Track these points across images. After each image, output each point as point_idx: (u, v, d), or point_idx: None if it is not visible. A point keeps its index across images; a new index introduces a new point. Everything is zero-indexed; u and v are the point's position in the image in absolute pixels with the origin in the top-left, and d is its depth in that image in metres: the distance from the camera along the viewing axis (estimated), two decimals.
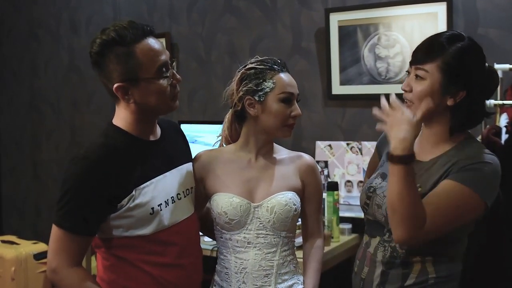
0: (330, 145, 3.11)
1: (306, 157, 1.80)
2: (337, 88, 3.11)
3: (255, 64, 1.72)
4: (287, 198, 1.68)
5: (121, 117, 1.61)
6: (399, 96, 1.60)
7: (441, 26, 2.77)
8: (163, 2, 3.73)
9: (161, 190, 1.60)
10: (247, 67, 1.73)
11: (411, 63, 1.60)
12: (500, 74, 2.41)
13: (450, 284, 1.61)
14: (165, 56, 1.56)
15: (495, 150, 2.10)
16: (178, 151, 1.74)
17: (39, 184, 4.39)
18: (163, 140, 1.68)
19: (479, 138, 2.24)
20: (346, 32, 3.05)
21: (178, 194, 1.65)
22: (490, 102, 2.32)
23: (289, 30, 3.28)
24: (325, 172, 3.07)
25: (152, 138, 1.65)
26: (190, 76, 3.62)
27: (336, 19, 3.07)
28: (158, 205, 1.58)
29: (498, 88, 2.40)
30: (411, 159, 1.45)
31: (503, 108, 2.36)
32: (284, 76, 1.71)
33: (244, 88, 1.70)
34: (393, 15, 2.91)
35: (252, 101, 1.69)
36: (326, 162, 3.09)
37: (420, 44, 1.61)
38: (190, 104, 3.64)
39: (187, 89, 3.63)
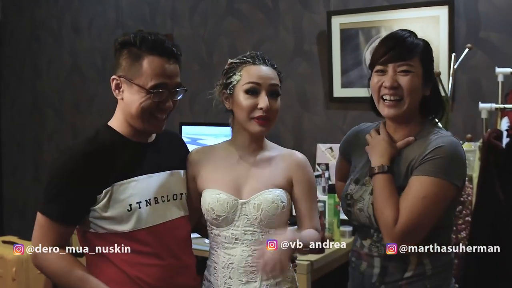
0: (331, 148, 3.12)
1: (297, 154, 1.77)
2: (339, 91, 3.12)
3: (235, 59, 1.73)
4: (275, 195, 1.67)
5: (116, 116, 1.68)
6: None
7: (443, 29, 2.78)
8: (166, 5, 3.74)
9: (143, 189, 1.63)
10: (228, 62, 1.75)
11: (387, 62, 1.62)
12: (501, 78, 2.42)
13: (446, 273, 1.67)
14: (168, 80, 1.61)
15: (496, 154, 2.11)
16: (171, 157, 1.76)
17: (40, 185, 4.39)
18: (155, 144, 1.72)
19: (480, 142, 2.25)
20: (348, 35, 3.06)
21: (162, 196, 1.67)
22: (492, 105, 2.32)
23: (291, 33, 3.29)
24: (326, 175, 3.08)
25: (142, 141, 1.69)
26: (192, 78, 3.63)
27: (338, 22, 3.08)
28: (137, 203, 1.61)
29: (499, 92, 2.41)
30: (388, 169, 1.60)
31: (504, 112, 2.37)
32: (253, 67, 1.68)
33: (220, 83, 1.74)
34: (395, 19, 2.92)
35: (226, 95, 1.71)
36: (327, 165, 3.10)
37: (390, 44, 1.63)
38: (192, 106, 3.65)
39: (189, 91, 3.62)
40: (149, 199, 1.63)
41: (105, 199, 1.58)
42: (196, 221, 1.82)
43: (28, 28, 4.44)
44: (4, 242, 3.76)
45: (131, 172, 1.62)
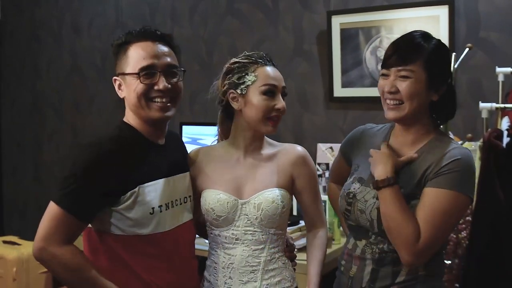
0: (331, 148, 3.11)
1: (297, 148, 1.78)
2: (339, 91, 3.12)
3: (240, 58, 1.73)
4: (275, 195, 1.68)
5: (128, 114, 1.68)
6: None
7: (443, 29, 2.78)
8: (165, 4, 3.74)
9: (164, 192, 1.62)
10: (232, 61, 1.74)
11: (390, 66, 1.62)
12: (501, 77, 2.42)
13: (438, 280, 1.66)
14: (156, 60, 1.61)
15: (496, 154, 2.11)
16: (180, 159, 1.77)
17: (40, 185, 4.40)
18: (168, 146, 1.72)
19: (480, 142, 2.25)
20: (348, 35, 3.06)
21: (176, 200, 1.67)
22: (492, 105, 2.32)
23: (291, 32, 3.29)
24: (326, 175, 3.07)
25: (158, 142, 1.69)
26: (192, 78, 3.62)
27: (338, 22, 3.08)
28: (159, 206, 1.60)
29: (500, 91, 2.41)
30: (394, 180, 1.57)
31: (504, 112, 2.36)
32: (267, 69, 1.70)
33: (227, 82, 1.72)
34: (395, 18, 2.92)
35: (235, 95, 1.70)
36: (327, 165, 3.10)
37: (395, 47, 1.63)
38: (192, 106, 3.65)
39: (189, 91, 3.64)
40: (168, 203, 1.63)
41: (130, 201, 1.55)
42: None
43: (28, 28, 4.44)
44: (4, 242, 3.77)
45: (154, 174, 1.62)
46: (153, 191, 1.60)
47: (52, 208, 1.53)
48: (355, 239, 1.70)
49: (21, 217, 4.56)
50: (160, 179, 1.62)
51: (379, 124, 1.82)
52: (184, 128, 3.49)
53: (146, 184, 1.58)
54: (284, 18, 3.31)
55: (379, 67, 2.86)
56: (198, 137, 3.41)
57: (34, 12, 4.39)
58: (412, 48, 1.60)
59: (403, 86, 1.59)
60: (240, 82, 1.69)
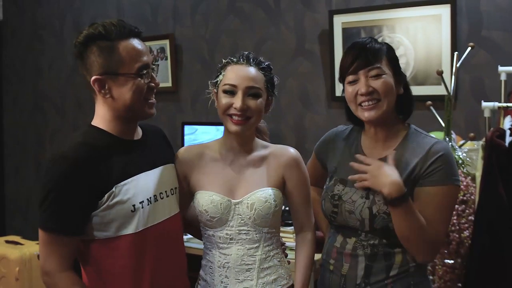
0: None
1: (289, 150, 1.78)
2: (341, 90, 3.10)
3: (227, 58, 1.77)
4: (267, 195, 1.68)
5: (100, 115, 1.63)
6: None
7: (445, 28, 2.78)
8: (167, 4, 3.74)
9: (142, 188, 1.59)
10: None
11: (358, 70, 1.65)
12: (504, 76, 2.41)
13: (424, 269, 1.72)
14: (147, 58, 1.59)
15: (499, 153, 2.11)
16: (160, 152, 1.74)
17: None
18: (144, 141, 1.69)
19: (482, 141, 2.24)
20: (350, 34, 3.05)
21: (160, 193, 1.65)
22: (494, 104, 2.32)
23: (293, 32, 3.29)
24: None
25: (131, 138, 1.65)
26: (193, 78, 3.63)
27: (339, 21, 3.08)
28: (140, 203, 1.57)
29: (502, 90, 2.41)
30: (407, 196, 1.56)
31: (507, 111, 2.36)
32: (234, 67, 1.70)
33: (210, 81, 1.78)
34: (397, 17, 2.92)
35: (215, 93, 1.75)
36: None
37: (355, 52, 1.66)
38: (194, 105, 3.65)
39: (191, 91, 3.64)
40: (150, 198, 1.60)
41: (108, 202, 1.52)
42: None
43: (30, 27, 4.45)
44: (7, 242, 3.77)
45: (130, 171, 1.58)
46: (132, 188, 1.56)
47: (41, 235, 1.53)
48: (343, 237, 1.71)
49: (24, 216, 4.57)
50: (138, 174, 1.59)
51: (348, 126, 1.86)
52: (186, 127, 3.49)
53: (123, 182, 1.55)
54: (286, 18, 3.30)
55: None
56: (199, 137, 3.40)
57: (36, 12, 4.40)
58: (373, 49, 1.66)
59: (378, 84, 1.64)
60: (215, 81, 1.74)
